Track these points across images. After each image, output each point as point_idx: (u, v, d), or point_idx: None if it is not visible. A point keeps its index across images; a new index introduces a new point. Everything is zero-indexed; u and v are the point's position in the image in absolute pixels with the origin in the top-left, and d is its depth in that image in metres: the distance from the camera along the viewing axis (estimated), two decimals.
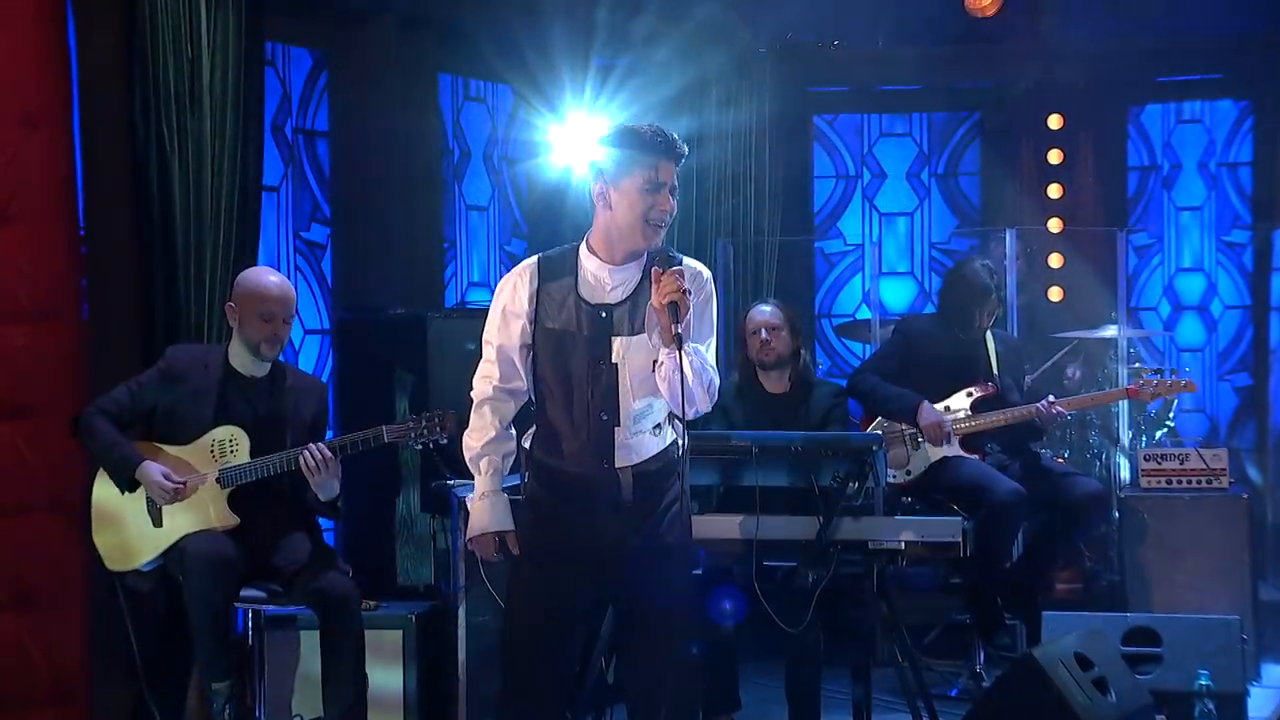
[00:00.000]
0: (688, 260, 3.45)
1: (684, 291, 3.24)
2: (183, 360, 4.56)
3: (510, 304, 3.46)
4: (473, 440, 3.52)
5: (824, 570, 4.39)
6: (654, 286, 3.28)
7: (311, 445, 4.38)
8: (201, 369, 4.54)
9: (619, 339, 3.36)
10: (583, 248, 3.46)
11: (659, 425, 3.44)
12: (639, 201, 3.34)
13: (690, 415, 3.36)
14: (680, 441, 3.48)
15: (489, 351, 3.51)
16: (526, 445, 3.57)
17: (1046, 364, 6.86)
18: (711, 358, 3.47)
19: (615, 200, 3.37)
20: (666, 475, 3.48)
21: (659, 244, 3.38)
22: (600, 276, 3.42)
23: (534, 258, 3.52)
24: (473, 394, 3.54)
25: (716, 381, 3.45)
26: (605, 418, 3.36)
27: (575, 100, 6.70)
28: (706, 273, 3.50)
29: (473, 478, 3.60)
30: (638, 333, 3.37)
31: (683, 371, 3.21)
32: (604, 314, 3.40)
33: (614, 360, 3.34)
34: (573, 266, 3.43)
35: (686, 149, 3.43)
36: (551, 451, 3.44)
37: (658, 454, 3.46)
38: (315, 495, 4.44)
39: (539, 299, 3.42)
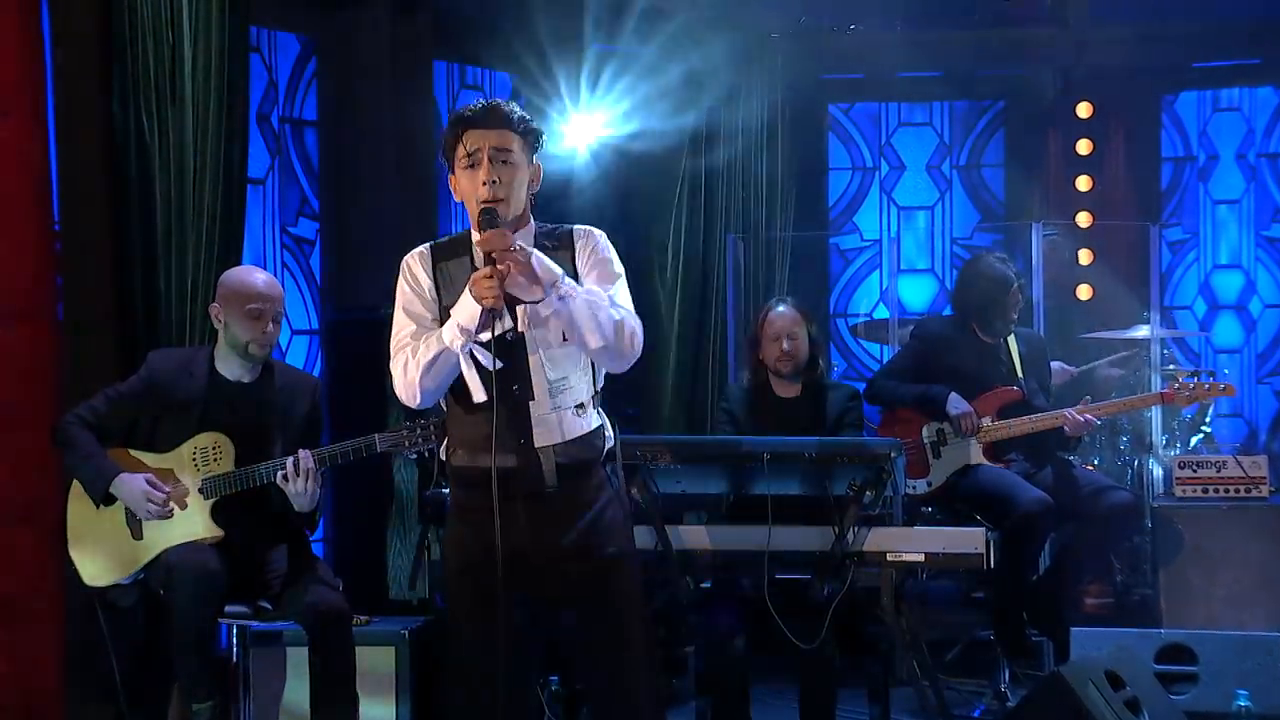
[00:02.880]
0: (578, 227, 3.49)
1: (508, 249, 3.21)
2: (165, 367, 4.56)
3: (412, 285, 3.44)
4: (406, 374, 3.36)
5: (839, 583, 4.39)
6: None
7: (295, 455, 4.37)
8: (185, 376, 4.53)
9: (521, 307, 3.34)
10: (471, 231, 3.45)
11: (581, 405, 3.41)
12: (465, 181, 3.37)
13: (607, 360, 3.35)
14: (609, 432, 3.47)
15: (402, 332, 3.42)
16: (444, 457, 3.53)
17: (1088, 365, 6.84)
18: (625, 301, 3.44)
19: (455, 186, 3.42)
20: (593, 466, 3.45)
21: (499, 213, 3.32)
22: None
23: (423, 245, 3.53)
24: (394, 379, 3.41)
25: (636, 327, 3.39)
26: (517, 389, 3.34)
27: (575, 88, 6.71)
28: (594, 231, 3.51)
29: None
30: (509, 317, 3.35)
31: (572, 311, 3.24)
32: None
33: (519, 329, 3.32)
34: (466, 247, 3.44)
35: (508, 107, 3.39)
36: (467, 446, 3.40)
37: (581, 437, 3.41)
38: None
39: (437, 280, 3.44)
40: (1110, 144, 7.77)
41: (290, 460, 4.35)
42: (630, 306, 3.44)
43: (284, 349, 6.22)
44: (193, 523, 4.42)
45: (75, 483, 4.50)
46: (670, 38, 7.21)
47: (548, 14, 6.74)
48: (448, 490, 4.95)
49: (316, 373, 6.26)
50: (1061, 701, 4.29)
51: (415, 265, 3.46)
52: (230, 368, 4.56)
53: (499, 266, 3.22)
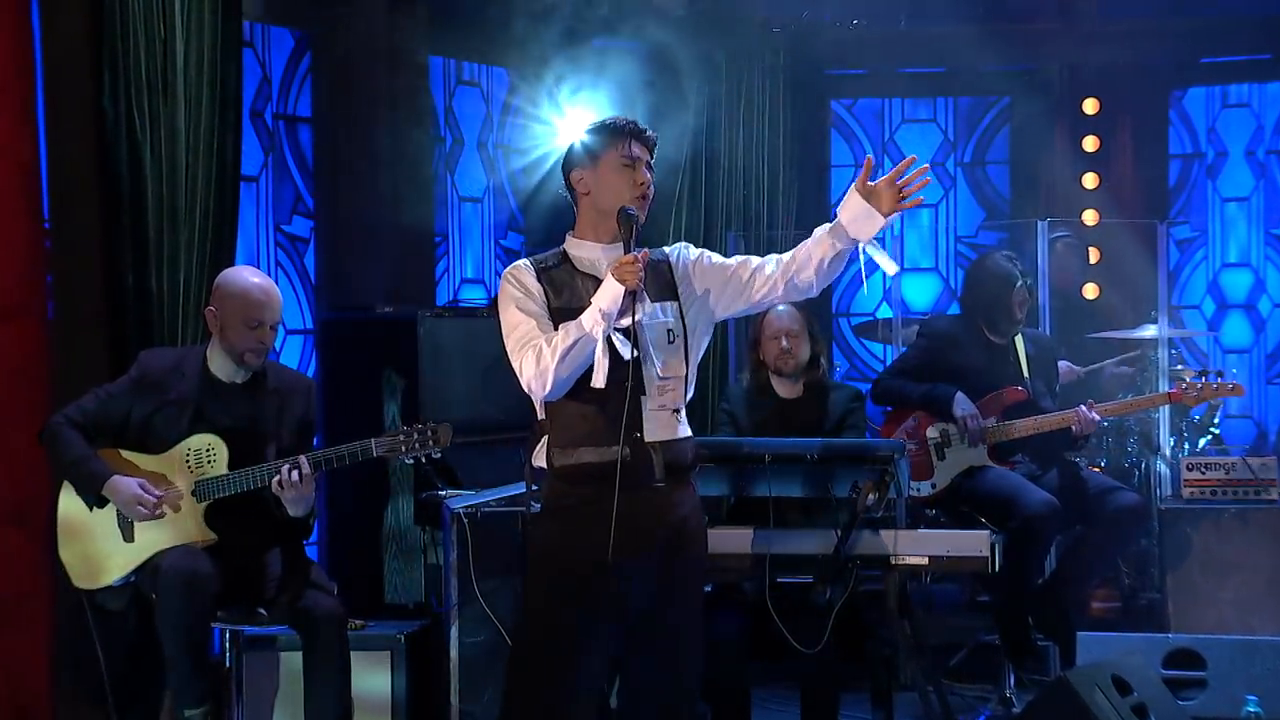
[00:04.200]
0: (668, 250, 3.69)
1: (638, 280, 3.40)
2: (157, 366, 4.56)
3: (522, 290, 3.56)
4: (539, 363, 3.45)
5: (842, 587, 4.39)
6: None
7: (289, 461, 4.37)
8: (177, 375, 4.53)
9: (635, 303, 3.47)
10: (568, 242, 3.66)
11: (678, 410, 3.58)
12: (618, 178, 3.56)
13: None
14: (693, 441, 3.65)
15: (522, 327, 3.51)
16: (539, 462, 3.60)
17: (1095, 366, 6.85)
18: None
19: (594, 183, 3.59)
20: (688, 471, 3.63)
21: (640, 217, 3.54)
22: (594, 257, 3.59)
23: (522, 259, 3.69)
24: (522, 370, 3.48)
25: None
26: (630, 385, 3.43)
27: (573, 83, 6.71)
28: (681, 245, 3.74)
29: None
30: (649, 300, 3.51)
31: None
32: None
33: (635, 319, 3.42)
34: (564, 258, 3.62)
35: (657, 137, 3.66)
36: (572, 444, 3.51)
37: (681, 440, 3.59)
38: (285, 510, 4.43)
39: (543, 284, 3.57)
40: (1117, 140, 7.77)
41: (285, 466, 4.35)
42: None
43: (278, 349, 6.22)
44: (185, 526, 4.42)
45: (66, 483, 4.50)
46: (669, 32, 7.21)
47: (545, 7, 6.74)
48: (445, 493, 5.01)
49: (310, 373, 6.25)
50: (1068, 707, 4.30)
51: (521, 274, 3.60)
52: (223, 368, 4.56)
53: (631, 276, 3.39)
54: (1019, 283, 5.55)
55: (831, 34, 7.57)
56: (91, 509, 4.43)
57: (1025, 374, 5.62)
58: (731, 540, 4.49)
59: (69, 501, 4.50)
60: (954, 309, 7.77)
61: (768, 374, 5.29)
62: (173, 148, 5.13)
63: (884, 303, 8.11)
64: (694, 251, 3.69)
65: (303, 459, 4.36)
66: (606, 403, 3.44)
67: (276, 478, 4.34)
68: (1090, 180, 7.68)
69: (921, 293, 8.21)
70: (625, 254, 3.44)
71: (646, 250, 3.46)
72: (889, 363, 6.56)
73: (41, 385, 4.80)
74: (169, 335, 5.10)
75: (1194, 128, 8.04)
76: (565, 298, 3.54)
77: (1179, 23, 7.53)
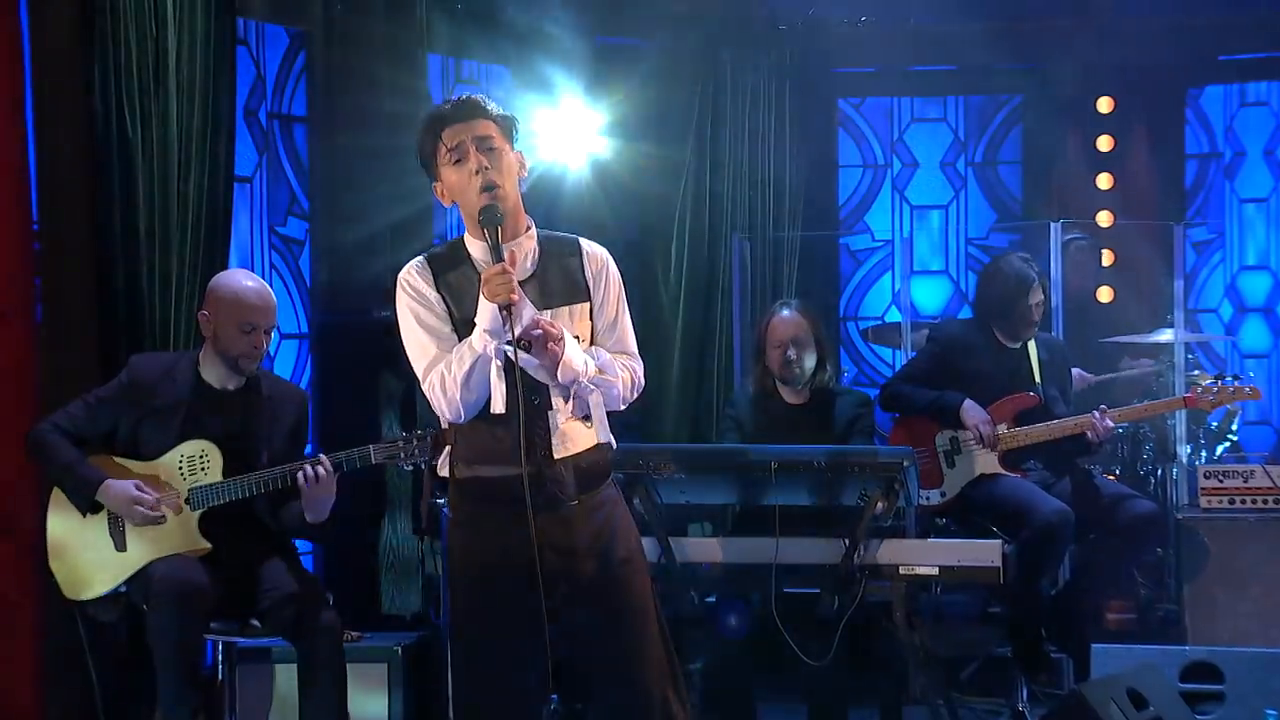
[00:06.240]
0: (586, 242, 3.51)
1: (513, 294, 3.22)
2: (147, 371, 4.57)
3: (418, 300, 3.43)
4: (445, 392, 3.35)
5: (850, 598, 4.40)
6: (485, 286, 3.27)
7: (319, 458, 4.39)
8: (168, 381, 4.55)
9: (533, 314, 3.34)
10: (466, 238, 3.48)
11: (588, 417, 3.43)
12: (455, 178, 3.39)
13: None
14: (613, 443, 3.50)
15: (427, 347, 3.41)
16: (444, 472, 3.52)
17: (1108, 375, 6.85)
18: (630, 338, 3.51)
19: (445, 191, 3.43)
20: (603, 475, 3.49)
21: (501, 210, 3.34)
22: (484, 257, 3.40)
23: (418, 257, 3.53)
24: (431, 401, 3.41)
25: (637, 374, 3.48)
26: (536, 401, 3.35)
27: (575, 82, 6.72)
28: (603, 251, 3.53)
29: None
30: (553, 307, 3.39)
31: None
32: None
33: (515, 333, 3.27)
34: (464, 256, 3.44)
35: (479, 98, 3.43)
36: (476, 458, 3.40)
37: (593, 448, 3.44)
38: (302, 515, 4.44)
39: (441, 292, 3.43)
40: (1132, 140, 7.77)
41: (306, 465, 4.36)
42: (633, 340, 3.53)
43: (272, 354, 6.23)
44: (178, 535, 4.43)
45: (56, 492, 4.51)
46: (674, 30, 7.22)
47: (547, 5, 6.75)
48: (444, 502, 5.01)
49: (305, 378, 6.27)
50: None
51: (415, 279, 3.44)
52: (216, 375, 4.57)
53: (546, 341, 3.25)
54: (1034, 284, 5.55)
55: (839, 31, 7.57)
56: (85, 515, 4.44)
57: (1038, 379, 5.62)
58: (737, 549, 4.50)
59: (59, 510, 4.50)
60: (964, 313, 7.78)
61: (774, 380, 5.29)
62: (164, 147, 5.14)
63: (893, 306, 8.11)
64: (611, 268, 3.48)
65: (324, 458, 4.38)
66: (510, 420, 3.30)
67: (306, 472, 4.34)
68: (1104, 181, 7.69)
69: (931, 296, 8.21)
70: (493, 263, 3.26)
71: (512, 251, 3.28)
72: (898, 368, 6.56)
73: (29, 390, 4.81)
74: (160, 339, 5.11)
75: (1211, 127, 8.04)
76: (466, 308, 3.36)
77: (1195, 19, 7.53)
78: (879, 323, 8.01)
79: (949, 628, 6.04)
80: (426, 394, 3.40)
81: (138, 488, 4.39)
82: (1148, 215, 7.53)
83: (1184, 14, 7.51)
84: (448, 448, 3.49)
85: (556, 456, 3.38)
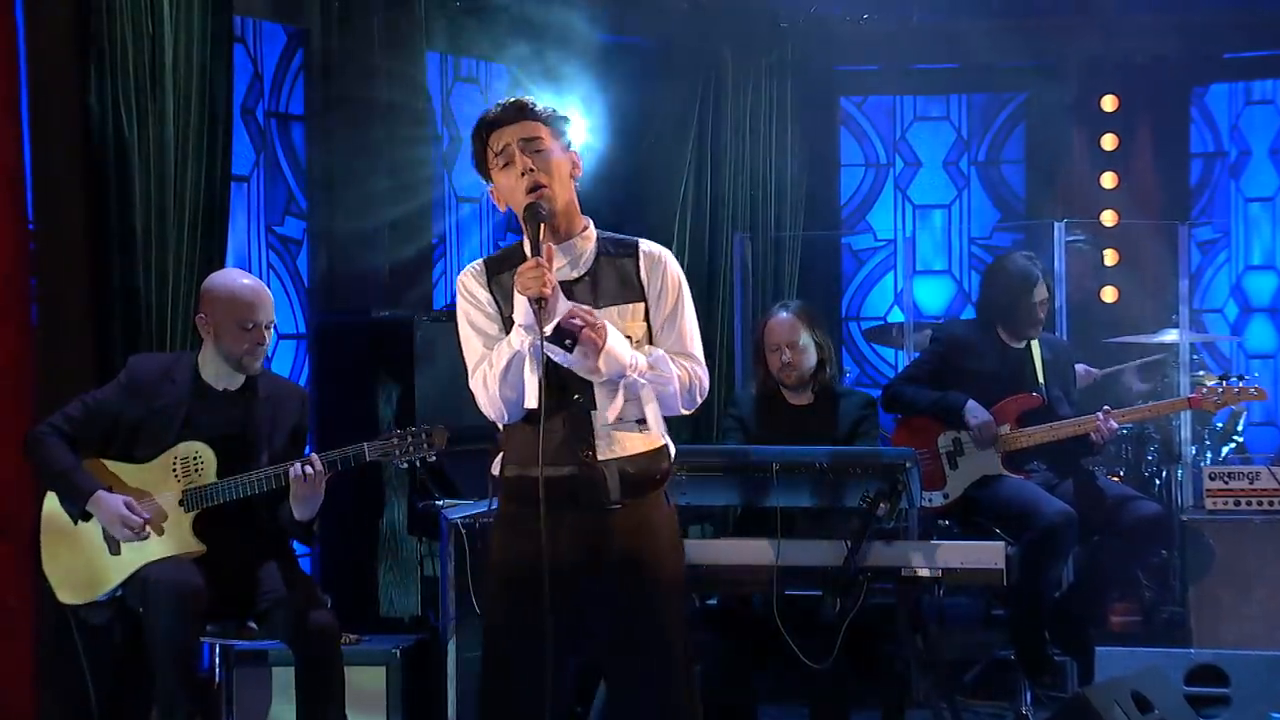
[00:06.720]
0: (644, 242, 3.49)
1: (546, 286, 3.20)
2: (146, 372, 4.57)
3: (470, 300, 3.45)
4: (487, 389, 3.36)
5: (852, 600, 4.39)
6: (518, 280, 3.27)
7: (309, 457, 4.39)
8: (168, 381, 4.54)
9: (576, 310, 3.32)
10: (524, 240, 3.44)
11: (643, 421, 3.40)
12: (504, 180, 3.40)
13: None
14: (671, 452, 3.47)
15: (475, 347, 3.43)
16: (496, 472, 3.53)
17: (1113, 369, 6.84)
18: (694, 343, 3.48)
19: (498, 193, 3.45)
20: (653, 486, 3.44)
21: (548, 208, 3.35)
22: None
23: (476, 260, 3.55)
24: (476, 399, 3.42)
25: (700, 378, 3.44)
26: (578, 399, 3.34)
27: (575, 80, 6.71)
28: (666, 251, 3.50)
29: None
30: (603, 306, 3.38)
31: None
32: (562, 291, 3.35)
33: (543, 330, 3.25)
34: (520, 257, 3.40)
35: (527, 99, 3.45)
36: (525, 459, 3.38)
37: (644, 454, 3.41)
38: (290, 513, 4.43)
39: (493, 292, 3.44)
40: (1137, 139, 7.77)
41: (297, 463, 4.36)
42: (698, 343, 3.50)
43: (270, 355, 6.22)
44: (173, 537, 4.42)
45: (50, 495, 4.51)
46: (675, 28, 7.22)
47: (547, 2, 6.75)
48: (442, 503, 5.01)
49: (304, 378, 6.26)
50: None
51: (469, 280, 3.46)
52: (216, 375, 4.56)
53: (585, 333, 3.22)
54: (1039, 282, 5.55)
55: (841, 29, 7.57)
56: (76, 523, 4.44)
57: (1041, 380, 5.62)
58: (738, 552, 4.49)
59: (53, 513, 4.50)
60: (967, 313, 7.77)
61: (776, 381, 5.29)
62: (161, 146, 5.14)
63: (895, 306, 8.11)
64: (671, 269, 3.46)
65: (315, 457, 4.37)
66: (551, 419, 3.28)
67: (298, 468, 4.33)
68: (1109, 180, 7.68)
69: (934, 296, 8.21)
70: (530, 257, 3.25)
71: (550, 246, 3.28)
72: (900, 368, 6.56)
73: (26, 391, 4.80)
74: (157, 340, 5.11)
75: (1216, 125, 8.04)
76: (513, 305, 3.35)
77: (1200, 17, 7.53)
78: (881, 323, 8.01)
79: (952, 630, 6.04)
80: (474, 393, 3.41)
81: (128, 505, 4.38)
82: (1152, 214, 7.53)
83: (1189, 11, 7.51)
84: (501, 453, 3.48)
85: (600, 458, 3.36)
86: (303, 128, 6.49)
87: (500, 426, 3.47)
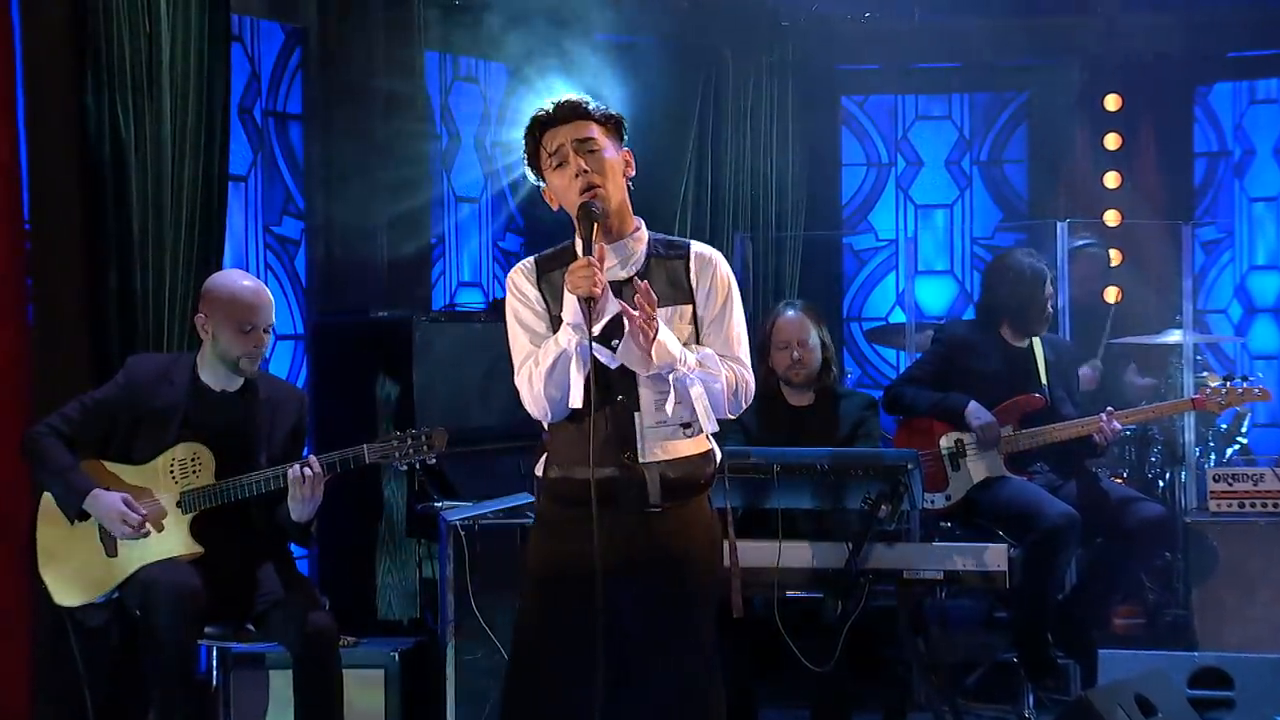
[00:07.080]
0: (695, 244, 3.51)
1: (596, 285, 3.23)
2: (145, 372, 4.56)
3: (519, 298, 3.47)
4: (532, 386, 3.37)
5: (853, 603, 4.39)
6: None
7: (308, 459, 4.38)
8: (166, 382, 4.53)
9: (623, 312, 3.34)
10: (575, 240, 3.46)
11: (688, 425, 3.40)
12: (558, 180, 3.42)
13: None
14: (717, 456, 3.47)
15: (522, 345, 3.44)
16: (539, 473, 3.54)
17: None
18: (742, 348, 3.47)
19: (552, 193, 3.47)
20: (696, 486, 3.44)
21: (601, 207, 3.38)
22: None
23: (528, 258, 3.57)
24: (522, 396, 3.42)
25: (747, 381, 3.45)
26: (622, 399, 3.35)
27: (575, 79, 6.70)
28: (717, 254, 3.51)
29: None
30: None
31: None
32: (612, 291, 3.38)
33: (592, 329, 3.28)
34: (571, 256, 3.41)
35: (581, 99, 3.50)
36: (569, 460, 3.40)
37: (688, 458, 3.41)
38: (288, 514, 4.43)
39: (542, 290, 3.45)
40: (1140, 138, 7.77)
41: (296, 465, 4.35)
42: (745, 348, 3.49)
43: (268, 356, 6.21)
44: (171, 539, 4.42)
45: (46, 497, 4.50)
46: (675, 26, 7.21)
47: (548, 2, 6.74)
48: (441, 505, 5.00)
49: (301, 379, 6.26)
50: None
51: (519, 278, 3.48)
52: (215, 377, 4.56)
53: (636, 316, 3.22)
54: (1044, 281, 5.55)
55: (842, 27, 7.57)
56: (72, 523, 4.43)
57: (1044, 380, 5.62)
58: (739, 553, 4.47)
59: (49, 516, 4.49)
60: (969, 313, 7.76)
61: (778, 381, 5.28)
62: (158, 146, 5.13)
63: (897, 306, 8.10)
64: (722, 271, 3.47)
65: (314, 459, 4.37)
66: (597, 420, 3.28)
67: (296, 470, 4.33)
68: (1112, 179, 7.68)
69: (936, 296, 8.21)
70: (582, 256, 3.28)
71: (601, 246, 3.31)
72: (902, 369, 6.55)
73: (22, 392, 4.80)
74: (153, 340, 5.10)
75: (1220, 125, 8.03)
76: (561, 304, 3.38)
77: (1204, 15, 7.53)
78: (883, 323, 8.01)
79: (954, 633, 6.03)
80: (519, 390, 3.42)
81: (126, 502, 4.37)
82: (1156, 214, 7.52)
83: (1192, 10, 7.51)
84: (545, 454, 3.49)
85: (643, 460, 3.36)
86: (300, 127, 6.48)
87: (545, 426, 3.47)
